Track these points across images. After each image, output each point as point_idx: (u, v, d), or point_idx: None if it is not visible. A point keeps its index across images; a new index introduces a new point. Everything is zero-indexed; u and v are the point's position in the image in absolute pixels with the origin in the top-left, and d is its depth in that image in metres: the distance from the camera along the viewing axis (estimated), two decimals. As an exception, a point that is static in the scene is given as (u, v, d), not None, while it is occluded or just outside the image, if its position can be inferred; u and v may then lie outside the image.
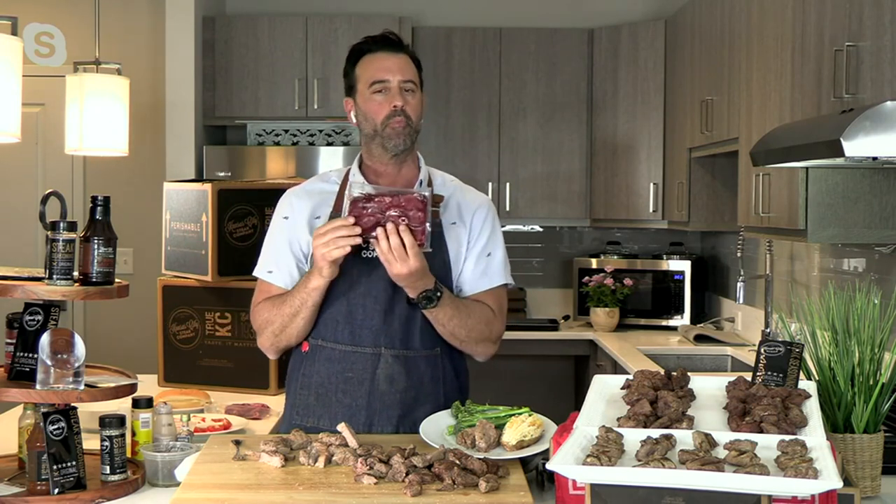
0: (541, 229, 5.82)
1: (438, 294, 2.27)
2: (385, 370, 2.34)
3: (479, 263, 2.42)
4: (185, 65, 5.08)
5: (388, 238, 2.16)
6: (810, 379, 2.06)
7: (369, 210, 2.18)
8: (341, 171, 2.49)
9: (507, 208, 5.45)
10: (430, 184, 2.45)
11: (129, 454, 2.12)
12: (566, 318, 5.62)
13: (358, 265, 2.32)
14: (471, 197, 2.48)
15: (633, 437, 1.80)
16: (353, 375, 2.35)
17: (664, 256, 5.43)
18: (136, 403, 2.21)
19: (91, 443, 2.15)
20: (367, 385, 2.34)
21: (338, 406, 2.36)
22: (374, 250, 2.24)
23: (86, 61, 3.58)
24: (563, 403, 5.53)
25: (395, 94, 2.35)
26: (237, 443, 2.11)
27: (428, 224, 2.19)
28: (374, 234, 2.18)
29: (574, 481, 1.79)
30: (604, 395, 2.06)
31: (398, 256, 2.16)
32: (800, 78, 3.09)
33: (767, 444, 1.76)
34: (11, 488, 2.03)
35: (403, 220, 2.17)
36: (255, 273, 2.46)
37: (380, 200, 2.19)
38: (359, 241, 2.19)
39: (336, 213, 2.38)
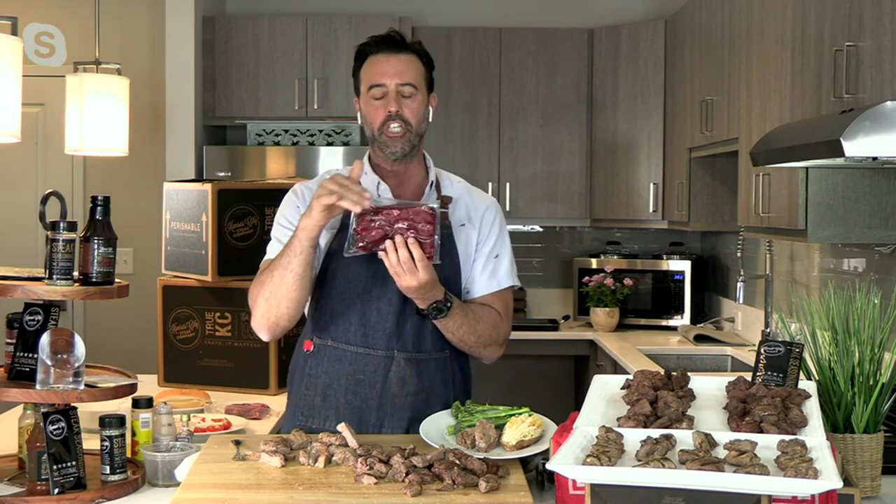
0: (541, 229, 5.82)
1: (448, 304, 2.25)
2: (397, 373, 2.33)
3: (487, 266, 2.42)
4: (185, 65, 5.07)
5: (396, 251, 2.13)
6: (810, 379, 2.06)
7: (377, 223, 2.15)
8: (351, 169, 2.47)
9: (507, 208, 5.45)
10: (437, 185, 2.44)
11: (129, 454, 2.12)
12: (566, 318, 5.62)
13: (373, 267, 2.29)
14: (478, 198, 2.47)
15: (633, 437, 1.80)
16: (364, 377, 2.34)
17: (664, 256, 5.43)
18: (136, 403, 2.21)
19: (91, 443, 2.15)
20: (379, 387, 2.33)
21: (346, 407, 2.34)
22: None
23: (86, 61, 3.58)
24: (563, 403, 5.53)
25: (392, 99, 2.31)
26: (237, 443, 2.11)
27: (437, 236, 2.16)
28: (382, 246, 2.15)
29: (574, 481, 1.79)
30: (604, 395, 2.06)
31: (407, 269, 2.13)
32: (800, 78, 3.09)
33: (767, 444, 1.76)
34: (11, 488, 2.03)
35: (412, 233, 2.14)
36: (267, 258, 2.39)
37: (387, 213, 2.15)
38: (365, 205, 2.12)
39: (347, 212, 2.35)
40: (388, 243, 2.14)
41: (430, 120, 2.41)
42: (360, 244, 2.16)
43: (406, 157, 2.37)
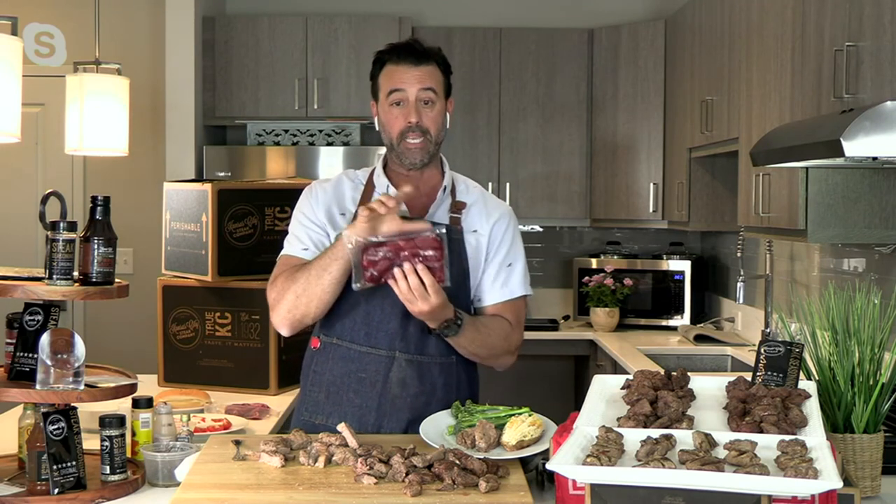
0: (541, 229, 5.82)
1: (459, 322, 2.25)
2: (398, 374, 2.34)
3: (500, 275, 2.41)
4: (185, 65, 5.08)
5: (406, 278, 2.12)
6: (810, 379, 2.07)
7: (381, 255, 2.13)
8: (367, 171, 2.49)
9: (508, 208, 5.44)
10: (453, 190, 2.44)
11: (129, 454, 2.12)
12: (566, 318, 5.62)
13: None
14: (492, 206, 2.47)
15: (633, 437, 1.80)
16: (365, 376, 2.35)
17: (664, 256, 5.43)
18: (136, 403, 2.21)
19: (91, 443, 2.15)
20: (379, 387, 2.35)
21: (348, 405, 2.36)
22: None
23: (86, 61, 3.58)
24: (563, 403, 5.53)
25: (412, 110, 2.33)
26: (237, 443, 2.11)
27: (445, 262, 2.14)
28: (390, 275, 2.13)
29: (574, 481, 1.79)
30: (604, 395, 2.06)
31: (419, 295, 2.13)
32: (800, 78, 3.09)
33: (767, 444, 1.76)
34: (11, 488, 2.03)
35: (418, 260, 2.12)
36: (285, 252, 2.42)
37: (392, 244, 2.13)
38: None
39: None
40: (396, 271, 2.13)
41: (448, 126, 2.42)
42: (368, 275, 2.15)
43: (424, 166, 2.39)
